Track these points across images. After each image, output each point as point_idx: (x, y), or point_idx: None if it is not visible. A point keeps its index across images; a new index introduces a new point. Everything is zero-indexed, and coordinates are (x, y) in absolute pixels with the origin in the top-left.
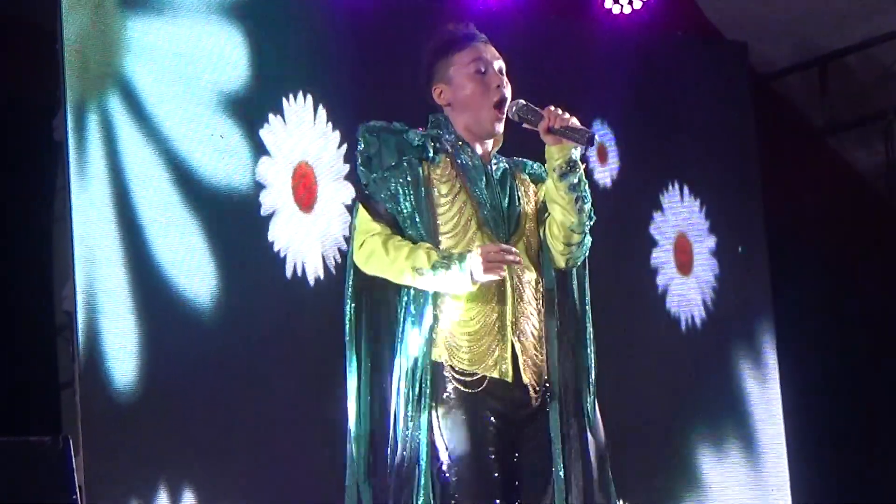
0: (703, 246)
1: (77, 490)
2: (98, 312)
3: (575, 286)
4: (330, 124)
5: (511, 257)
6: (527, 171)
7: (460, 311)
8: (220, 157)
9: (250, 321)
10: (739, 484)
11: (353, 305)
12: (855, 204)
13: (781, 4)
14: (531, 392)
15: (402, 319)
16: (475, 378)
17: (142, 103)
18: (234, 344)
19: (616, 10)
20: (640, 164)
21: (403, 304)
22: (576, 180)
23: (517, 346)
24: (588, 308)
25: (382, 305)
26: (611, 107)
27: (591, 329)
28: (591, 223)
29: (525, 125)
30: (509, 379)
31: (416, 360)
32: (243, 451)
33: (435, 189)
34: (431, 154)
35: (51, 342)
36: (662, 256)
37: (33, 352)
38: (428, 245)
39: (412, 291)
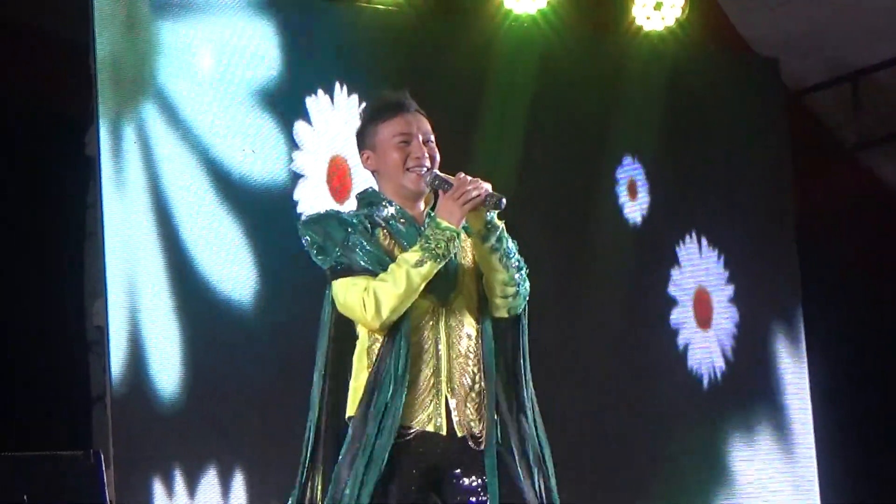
0: (723, 295)
1: None
2: (126, 328)
3: (517, 335)
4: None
5: (472, 188)
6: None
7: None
8: (255, 156)
9: (291, 325)
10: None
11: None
12: (888, 220)
13: (813, 21)
14: (470, 443)
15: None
16: (410, 430)
17: (177, 109)
18: (274, 355)
19: (647, 26)
20: (665, 210)
21: (355, 356)
22: (495, 240)
23: (451, 401)
24: (526, 355)
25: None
26: (641, 140)
27: (529, 374)
28: (523, 272)
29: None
30: (443, 432)
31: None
32: (273, 465)
33: None
34: (370, 230)
35: (82, 357)
36: (682, 314)
37: (65, 367)
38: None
39: (358, 347)
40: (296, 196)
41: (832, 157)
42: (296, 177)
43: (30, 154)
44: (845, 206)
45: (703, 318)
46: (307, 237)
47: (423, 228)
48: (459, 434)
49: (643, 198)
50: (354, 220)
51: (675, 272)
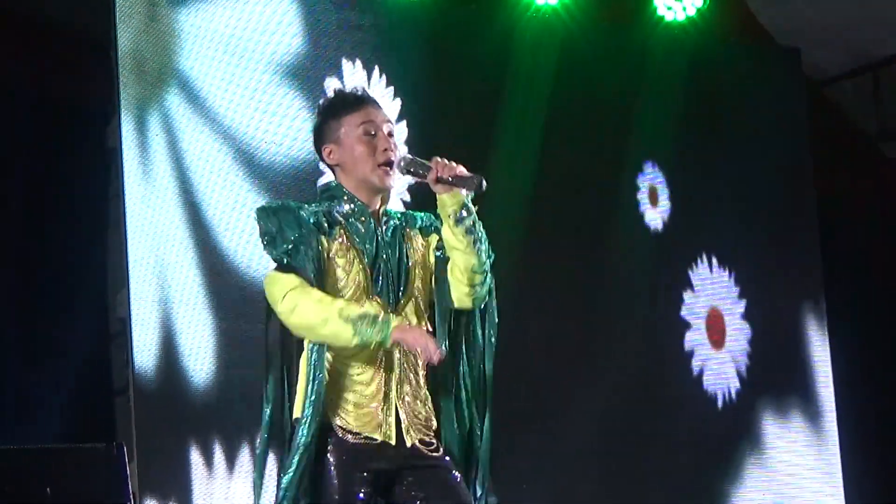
0: (735, 312)
1: (131, 497)
2: (149, 319)
3: (466, 326)
4: (391, 88)
5: (430, 350)
6: (417, 226)
7: (349, 377)
8: (280, 139)
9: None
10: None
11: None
12: None
13: (835, 11)
14: (422, 450)
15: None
16: (360, 437)
17: (201, 96)
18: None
19: (669, 17)
20: (680, 227)
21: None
22: (471, 223)
23: (401, 410)
24: (483, 350)
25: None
26: (661, 133)
27: (488, 369)
28: (491, 261)
29: (414, 178)
30: (393, 441)
31: (306, 419)
32: None
33: (333, 261)
34: (327, 227)
35: (105, 349)
36: (696, 337)
37: (88, 359)
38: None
39: (313, 355)
40: (322, 181)
41: (853, 147)
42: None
43: (52, 147)
44: (867, 197)
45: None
46: (261, 224)
47: (380, 230)
48: (409, 443)
49: (664, 203)
50: (311, 221)
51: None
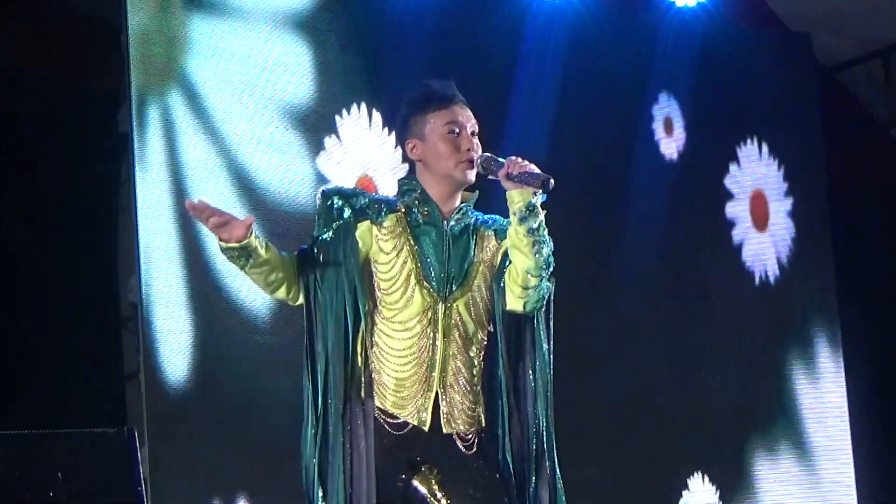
0: (780, 206)
1: (142, 481)
2: (156, 305)
3: (532, 333)
4: (385, 129)
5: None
6: (492, 227)
7: (393, 357)
8: (281, 169)
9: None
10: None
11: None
12: None
13: None
14: (457, 442)
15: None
16: (398, 422)
17: (202, 101)
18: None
19: (679, 2)
20: (711, 128)
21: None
22: (535, 225)
23: (441, 397)
24: (546, 357)
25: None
26: (677, 90)
27: (549, 376)
28: (550, 269)
29: (489, 176)
30: (426, 428)
31: (343, 397)
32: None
33: (378, 245)
34: (374, 214)
35: (116, 334)
36: (739, 209)
37: (98, 344)
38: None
39: (363, 329)
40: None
41: (864, 133)
42: (323, 181)
43: (63, 130)
44: (878, 181)
45: None
46: (318, 202)
47: (445, 224)
48: (445, 431)
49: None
50: (360, 205)
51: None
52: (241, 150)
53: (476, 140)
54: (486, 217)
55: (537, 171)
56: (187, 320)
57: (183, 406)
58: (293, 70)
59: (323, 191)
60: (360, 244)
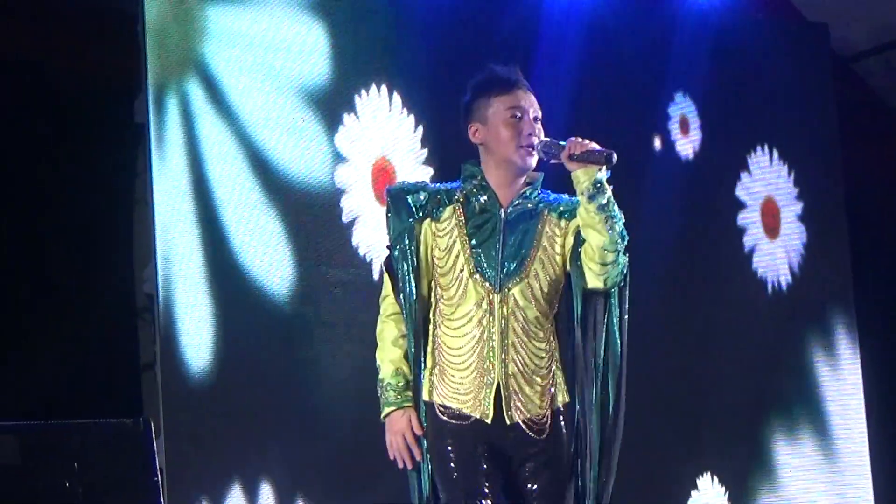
0: (790, 211)
1: (158, 472)
2: (173, 296)
3: (612, 307)
4: (405, 110)
5: (404, 454)
6: (558, 210)
7: (453, 352)
8: (299, 151)
9: (320, 309)
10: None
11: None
12: None
13: None
14: (525, 430)
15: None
16: (461, 414)
17: (221, 90)
18: (306, 330)
19: None
20: (725, 131)
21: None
22: (604, 200)
23: (503, 387)
24: (620, 332)
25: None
26: (693, 81)
27: (622, 351)
28: (625, 243)
29: (551, 160)
30: (488, 420)
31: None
32: (319, 438)
33: (435, 241)
34: (433, 209)
35: (132, 324)
36: (750, 217)
37: (114, 334)
38: (397, 358)
39: (430, 327)
40: (342, 203)
41: (881, 123)
42: (339, 192)
43: (80, 121)
44: (893, 172)
45: None
46: (387, 204)
47: (503, 211)
48: (509, 422)
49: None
50: (422, 202)
51: None
52: (261, 135)
53: (539, 126)
54: (553, 197)
55: (598, 147)
56: (205, 310)
57: (199, 397)
58: (311, 52)
59: (387, 189)
60: (421, 247)
